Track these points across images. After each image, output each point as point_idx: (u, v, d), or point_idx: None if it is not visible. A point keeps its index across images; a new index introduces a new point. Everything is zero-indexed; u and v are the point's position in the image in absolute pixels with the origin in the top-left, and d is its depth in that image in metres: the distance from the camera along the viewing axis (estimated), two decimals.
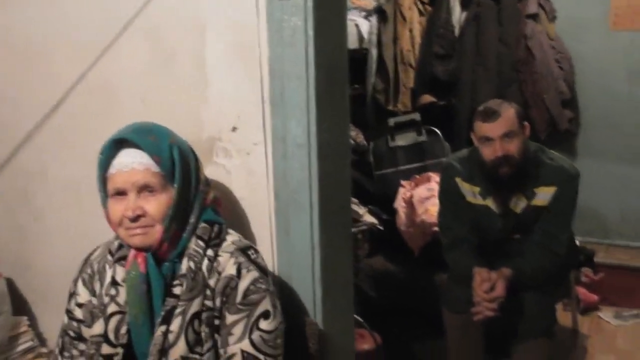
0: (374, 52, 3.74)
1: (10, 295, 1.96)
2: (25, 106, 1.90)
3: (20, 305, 2.04)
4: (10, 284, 2.01)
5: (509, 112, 2.19)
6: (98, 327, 1.33)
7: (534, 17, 3.58)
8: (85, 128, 1.80)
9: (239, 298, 1.29)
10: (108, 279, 1.35)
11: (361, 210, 3.03)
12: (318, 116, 1.46)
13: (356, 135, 3.47)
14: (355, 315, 2.48)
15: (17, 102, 1.92)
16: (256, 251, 1.37)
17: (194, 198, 1.33)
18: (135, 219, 1.26)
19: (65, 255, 1.89)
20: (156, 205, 1.27)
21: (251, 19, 1.49)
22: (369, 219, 3.02)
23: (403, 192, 3.08)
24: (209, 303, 1.30)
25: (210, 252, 1.32)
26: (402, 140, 3.51)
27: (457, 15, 3.63)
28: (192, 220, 1.32)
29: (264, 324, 1.30)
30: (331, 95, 1.51)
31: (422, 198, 2.90)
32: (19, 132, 1.91)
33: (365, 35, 3.69)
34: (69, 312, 1.41)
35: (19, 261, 2.03)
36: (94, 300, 1.38)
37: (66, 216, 1.89)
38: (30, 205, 1.97)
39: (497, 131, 2.17)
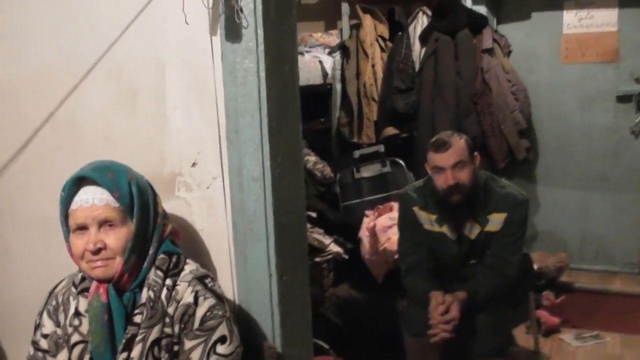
0: (337, 87, 3.88)
1: None
2: None
3: None
4: None
5: (459, 143, 2.31)
6: (62, 357, 1.39)
7: (490, 51, 3.74)
8: (51, 165, 1.87)
9: (196, 324, 1.37)
10: (72, 310, 1.41)
11: (327, 240, 3.13)
12: (271, 151, 1.56)
13: (323, 167, 3.57)
14: (322, 342, 2.55)
15: None
16: (213, 279, 1.44)
17: (153, 230, 1.41)
18: (96, 252, 1.33)
19: (32, 288, 1.94)
20: (116, 238, 1.35)
21: (207, 60, 1.58)
22: (335, 248, 3.11)
23: (367, 222, 3.17)
24: (168, 330, 1.37)
25: (169, 281, 1.39)
26: (367, 171, 3.61)
27: (417, 51, 3.78)
28: (151, 251, 1.40)
29: (220, 349, 1.37)
30: (284, 131, 1.61)
31: (384, 227, 2.99)
32: None
33: (329, 70, 3.83)
34: (34, 343, 1.47)
35: None
36: (59, 331, 1.43)
37: (33, 250, 1.94)
38: None
39: (448, 161, 2.29)
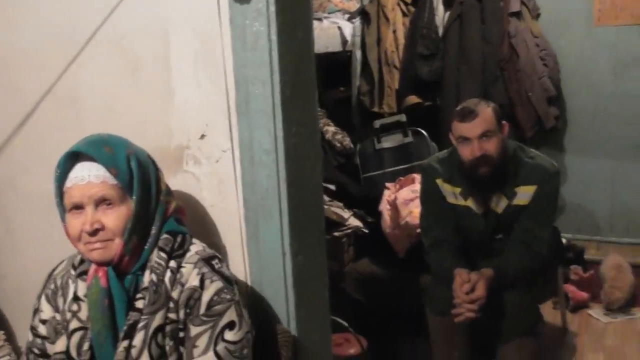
0: (357, 54, 3.74)
1: None
2: None
3: None
4: None
5: (486, 111, 2.17)
6: (60, 344, 1.31)
7: (517, 15, 3.57)
8: (54, 139, 1.76)
9: (202, 309, 1.27)
10: (70, 295, 1.33)
11: (346, 214, 3.02)
12: (284, 122, 1.44)
13: (342, 137, 3.46)
14: (341, 320, 2.46)
15: None
16: (221, 260, 1.34)
17: (155, 209, 1.31)
18: (93, 233, 1.23)
19: (37, 267, 1.85)
20: (114, 218, 1.24)
21: (214, 25, 1.47)
22: (354, 222, 3.01)
23: (387, 195, 3.06)
24: (172, 315, 1.27)
25: (173, 263, 1.29)
26: (389, 142, 3.50)
27: (441, 15, 3.62)
28: (153, 231, 1.30)
29: (229, 335, 1.27)
30: (298, 100, 1.48)
31: (406, 200, 2.88)
32: None
33: (349, 37, 3.69)
34: (33, 329, 1.39)
35: None
36: (58, 316, 1.35)
37: (38, 227, 1.86)
38: (2, 217, 1.94)
39: (475, 131, 2.15)
